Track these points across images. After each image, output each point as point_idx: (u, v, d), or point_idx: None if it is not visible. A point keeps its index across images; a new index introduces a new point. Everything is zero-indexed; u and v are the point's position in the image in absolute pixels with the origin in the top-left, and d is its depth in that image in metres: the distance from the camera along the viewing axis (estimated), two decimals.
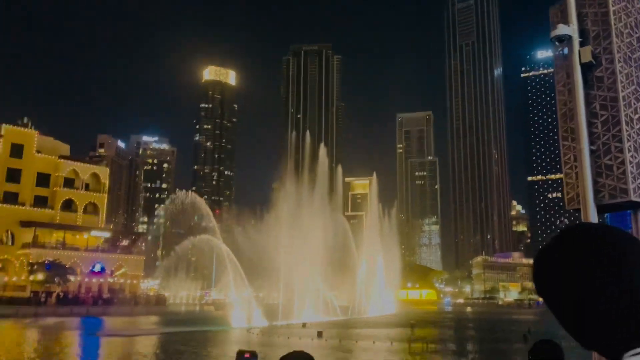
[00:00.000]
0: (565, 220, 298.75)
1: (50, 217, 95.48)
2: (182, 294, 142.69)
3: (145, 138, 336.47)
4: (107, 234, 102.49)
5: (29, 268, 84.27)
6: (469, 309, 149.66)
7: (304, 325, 56.41)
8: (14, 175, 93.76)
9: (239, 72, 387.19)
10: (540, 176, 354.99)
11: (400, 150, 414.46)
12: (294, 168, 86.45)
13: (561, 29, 7.26)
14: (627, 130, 6.79)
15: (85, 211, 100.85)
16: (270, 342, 40.50)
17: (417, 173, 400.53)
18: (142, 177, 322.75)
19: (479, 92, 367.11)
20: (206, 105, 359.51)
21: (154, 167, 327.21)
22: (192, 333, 47.89)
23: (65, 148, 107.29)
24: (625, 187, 6.90)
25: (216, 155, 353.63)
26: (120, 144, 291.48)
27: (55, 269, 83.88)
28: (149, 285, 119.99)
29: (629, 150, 6.75)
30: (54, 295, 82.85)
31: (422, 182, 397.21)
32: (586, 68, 7.32)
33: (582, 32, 7.41)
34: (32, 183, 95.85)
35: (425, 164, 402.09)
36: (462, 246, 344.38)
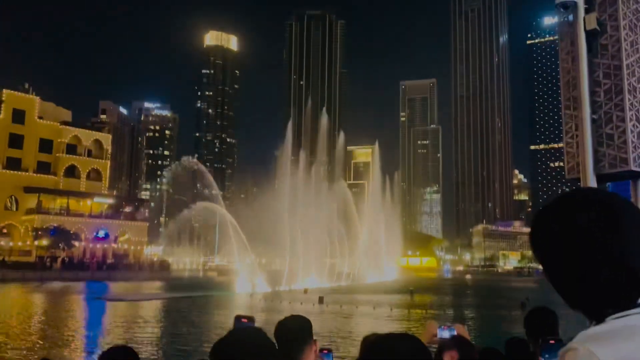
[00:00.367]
0: (567, 189, 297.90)
1: (53, 183, 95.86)
2: (185, 260, 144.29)
3: (147, 104, 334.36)
4: (111, 200, 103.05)
5: (34, 233, 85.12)
6: (468, 276, 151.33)
7: (305, 291, 57.19)
8: (16, 141, 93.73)
9: (241, 37, 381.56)
10: (543, 145, 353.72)
11: (403, 119, 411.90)
12: (296, 136, 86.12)
13: None
14: (629, 99, 6.73)
15: (88, 177, 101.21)
16: (272, 307, 41.14)
17: (419, 141, 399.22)
18: (145, 144, 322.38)
19: (484, 60, 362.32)
20: (208, 72, 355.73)
21: (156, 134, 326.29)
22: (195, 298, 48.66)
23: (67, 114, 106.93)
24: (625, 156, 6.89)
25: (218, 122, 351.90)
26: (122, 110, 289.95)
27: (60, 235, 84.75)
28: (153, 251, 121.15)
29: (631, 120, 6.70)
30: (59, 260, 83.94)
31: (425, 150, 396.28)
32: (591, 35, 7.22)
33: None
34: (35, 149, 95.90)
35: (428, 132, 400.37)
36: (463, 214, 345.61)
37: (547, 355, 2.98)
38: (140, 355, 2.96)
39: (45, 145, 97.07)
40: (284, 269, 72.46)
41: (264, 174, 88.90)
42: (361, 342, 4.06)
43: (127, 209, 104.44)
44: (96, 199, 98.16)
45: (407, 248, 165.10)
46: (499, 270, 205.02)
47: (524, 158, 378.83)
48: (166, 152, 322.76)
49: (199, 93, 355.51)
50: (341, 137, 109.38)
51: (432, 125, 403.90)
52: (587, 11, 6.98)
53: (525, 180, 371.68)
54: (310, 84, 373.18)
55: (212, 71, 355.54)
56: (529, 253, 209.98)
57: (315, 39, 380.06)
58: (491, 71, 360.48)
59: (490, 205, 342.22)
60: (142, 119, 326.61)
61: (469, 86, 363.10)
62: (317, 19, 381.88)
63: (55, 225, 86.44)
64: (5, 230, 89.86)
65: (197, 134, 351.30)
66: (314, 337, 3.15)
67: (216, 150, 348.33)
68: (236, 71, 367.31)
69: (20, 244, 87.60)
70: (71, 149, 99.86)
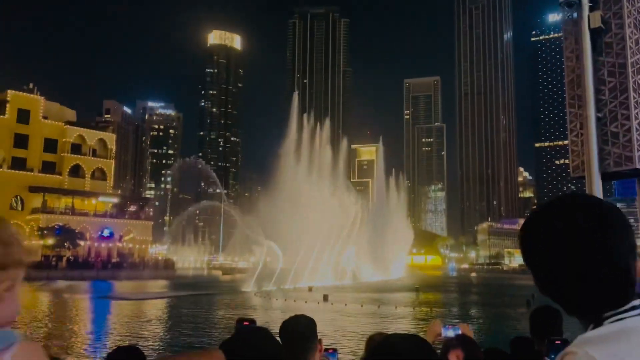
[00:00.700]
0: (572, 187, 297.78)
1: (58, 183, 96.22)
2: (189, 259, 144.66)
3: (150, 104, 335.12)
4: (115, 200, 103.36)
5: (39, 233, 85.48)
6: (473, 274, 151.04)
7: (310, 289, 57.23)
8: (21, 141, 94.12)
9: (245, 36, 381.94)
10: (548, 142, 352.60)
11: (407, 116, 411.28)
12: (299, 134, 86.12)
13: None
14: (634, 98, 6.71)
15: (93, 177, 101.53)
16: (276, 306, 41.21)
17: (424, 139, 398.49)
18: (149, 143, 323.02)
19: (488, 57, 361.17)
20: (211, 70, 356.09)
21: (160, 133, 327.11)
22: (199, 297, 48.78)
23: (71, 113, 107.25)
24: (630, 154, 6.88)
25: (222, 121, 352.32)
26: (126, 109, 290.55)
27: (65, 234, 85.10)
28: (158, 250, 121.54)
29: (636, 118, 6.69)
30: (65, 259, 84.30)
31: (429, 148, 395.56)
32: (595, 34, 7.20)
33: None
34: (40, 149, 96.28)
35: (432, 130, 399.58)
36: (468, 212, 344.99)
37: (553, 356, 2.98)
38: (146, 354, 2.98)
39: (50, 145, 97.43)
40: (289, 267, 72.46)
41: (268, 172, 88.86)
42: (366, 341, 4.08)
43: (132, 208, 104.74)
44: (101, 198, 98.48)
45: (412, 246, 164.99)
46: (504, 268, 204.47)
47: (529, 155, 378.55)
48: (170, 151, 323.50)
49: (203, 92, 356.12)
50: (345, 137, 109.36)
51: (436, 123, 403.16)
52: (591, 9, 6.95)
53: (530, 178, 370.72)
54: (314, 82, 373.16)
55: (216, 70, 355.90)
56: None
57: (318, 38, 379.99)
58: (495, 68, 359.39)
59: (495, 202, 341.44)
60: (146, 118, 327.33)
61: (474, 83, 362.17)
62: (321, 18, 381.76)
63: (60, 224, 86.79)
64: None
65: (201, 133, 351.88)
66: (319, 337, 3.17)
67: (220, 149, 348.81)
68: (240, 70, 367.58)
69: (25, 243, 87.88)
70: (76, 148, 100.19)
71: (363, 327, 29.48)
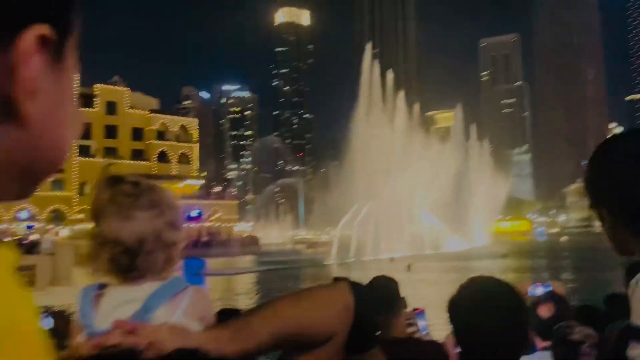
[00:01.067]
0: None
1: (147, 169, 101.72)
2: (273, 235, 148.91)
3: (226, 87, 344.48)
4: (201, 182, 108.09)
5: None
6: (563, 238, 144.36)
7: (391, 260, 57.15)
8: (111, 132, 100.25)
9: (313, 10, 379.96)
10: None
11: (485, 78, 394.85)
12: (372, 104, 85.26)
13: None
14: None
15: (178, 161, 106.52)
16: (358, 277, 41.61)
17: (503, 101, 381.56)
18: (228, 126, 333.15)
19: (572, 8, 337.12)
20: (281, 49, 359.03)
21: (237, 115, 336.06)
22: (286, 270, 50.29)
23: (154, 102, 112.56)
24: None
25: (295, 99, 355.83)
26: (204, 94, 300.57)
27: None
28: (243, 228, 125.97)
29: None
30: None
31: (511, 109, 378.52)
32: None
33: None
34: (129, 138, 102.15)
35: (512, 91, 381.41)
36: (556, 175, 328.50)
37: None
38: None
39: (137, 134, 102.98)
40: (368, 238, 72.60)
41: (342, 146, 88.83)
42: (448, 305, 4.06)
43: (217, 189, 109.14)
44: (187, 182, 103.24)
45: (497, 212, 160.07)
46: (598, 230, 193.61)
47: (620, 109, 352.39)
48: (247, 132, 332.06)
49: (275, 71, 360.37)
50: (417, 103, 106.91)
51: (516, 83, 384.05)
52: None
53: None
54: (385, 52, 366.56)
55: (286, 48, 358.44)
56: None
57: (387, 4, 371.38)
58: (579, 17, 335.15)
59: (584, 163, 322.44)
60: (223, 101, 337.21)
61: (556, 38, 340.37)
62: None
63: None
64: None
65: (276, 112, 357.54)
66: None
67: (294, 126, 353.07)
68: (309, 46, 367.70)
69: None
70: (160, 135, 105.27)
71: (447, 295, 29.16)
